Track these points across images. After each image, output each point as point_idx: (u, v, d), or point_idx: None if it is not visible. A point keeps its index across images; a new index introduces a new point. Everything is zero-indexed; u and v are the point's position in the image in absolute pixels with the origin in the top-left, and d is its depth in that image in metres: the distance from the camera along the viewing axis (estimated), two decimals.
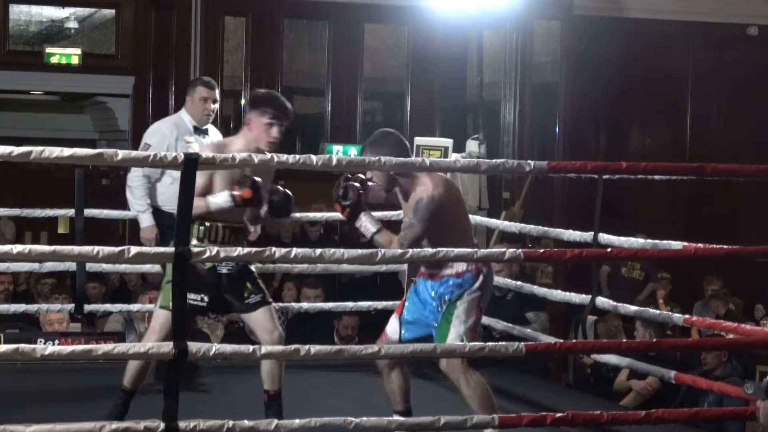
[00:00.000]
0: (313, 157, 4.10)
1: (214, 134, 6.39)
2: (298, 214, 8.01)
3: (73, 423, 3.85)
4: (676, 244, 5.40)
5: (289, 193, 5.04)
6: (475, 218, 6.67)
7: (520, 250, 4.35)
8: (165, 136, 6.24)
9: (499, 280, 6.80)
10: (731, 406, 5.92)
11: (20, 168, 12.09)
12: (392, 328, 4.97)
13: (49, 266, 6.79)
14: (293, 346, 4.01)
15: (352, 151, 10.79)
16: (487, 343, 4.36)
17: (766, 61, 12.08)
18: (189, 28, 11.26)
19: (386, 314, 7.51)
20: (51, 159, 3.84)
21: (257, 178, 4.78)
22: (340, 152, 10.67)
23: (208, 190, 4.84)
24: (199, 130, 6.29)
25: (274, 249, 4.06)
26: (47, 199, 8.13)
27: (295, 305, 7.83)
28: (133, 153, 4.27)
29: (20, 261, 6.55)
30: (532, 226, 7.01)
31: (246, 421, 4.00)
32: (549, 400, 6.05)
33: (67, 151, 3.83)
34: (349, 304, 7.21)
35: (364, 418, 4.03)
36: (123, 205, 6.63)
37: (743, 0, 12.20)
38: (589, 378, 8.43)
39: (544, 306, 8.38)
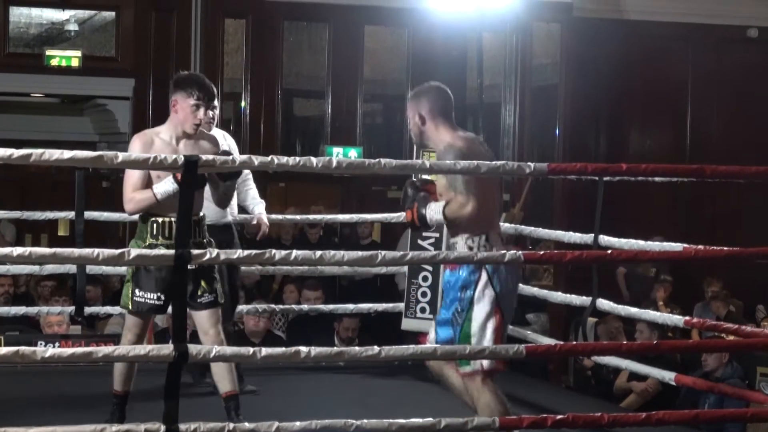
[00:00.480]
0: (313, 160, 4.10)
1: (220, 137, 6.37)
2: (298, 216, 8.02)
3: (73, 425, 3.84)
4: (677, 246, 5.41)
5: (226, 149, 4.91)
6: None
7: (520, 252, 4.35)
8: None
9: None
10: (731, 408, 5.92)
11: (20, 170, 12.12)
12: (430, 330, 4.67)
13: (50, 268, 6.80)
14: (294, 348, 4.00)
15: (353, 153, 10.80)
16: (488, 345, 4.35)
17: (765, 62, 12.09)
18: (189, 31, 11.24)
19: (386, 316, 7.57)
20: (51, 161, 3.84)
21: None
22: (340, 154, 10.64)
23: (148, 183, 4.77)
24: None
25: (274, 251, 4.05)
26: (47, 202, 8.15)
27: (295, 307, 7.85)
28: (134, 155, 4.27)
29: (20, 263, 6.55)
30: (532, 227, 7.03)
31: (247, 424, 3.99)
32: (549, 402, 6.05)
33: (67, 154, 3.83)
34: (350, 306, 7.23)
35: (365, 420, 4.03)
36: (123, 207, 6.61)
37: (743, 2, 12.19)
38: (589, 380, 8.43)
39: (545, 307, 8.40)
